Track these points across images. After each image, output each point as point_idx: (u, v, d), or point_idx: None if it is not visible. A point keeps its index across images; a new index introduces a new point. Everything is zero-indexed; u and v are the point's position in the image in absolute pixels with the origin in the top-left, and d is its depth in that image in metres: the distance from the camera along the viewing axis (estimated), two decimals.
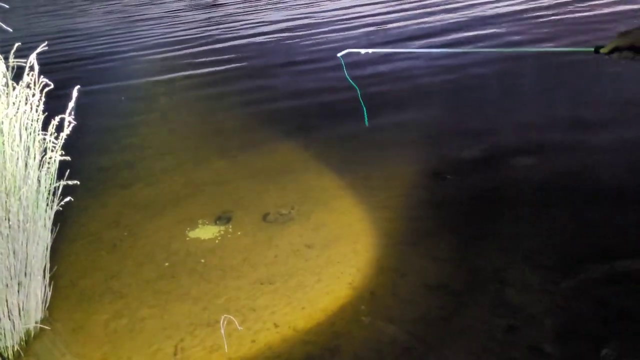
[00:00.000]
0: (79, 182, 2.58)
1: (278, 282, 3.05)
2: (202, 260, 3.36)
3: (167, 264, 3.38)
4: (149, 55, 9.85)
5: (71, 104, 2.54)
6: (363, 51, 2.25)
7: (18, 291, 2.46)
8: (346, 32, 9.57)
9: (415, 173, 4.10)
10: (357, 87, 2.32)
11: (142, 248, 3.57)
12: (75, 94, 2.54)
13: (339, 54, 2.23)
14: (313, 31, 10.01)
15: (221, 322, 2.56)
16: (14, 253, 2.36)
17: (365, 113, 2.30)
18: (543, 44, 6.55)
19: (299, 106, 6.11)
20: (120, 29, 13.25)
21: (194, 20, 13.75)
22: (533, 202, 3.56)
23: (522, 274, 2.84)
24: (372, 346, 2.51)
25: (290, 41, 9.50)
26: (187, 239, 3.61)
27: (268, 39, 10.03)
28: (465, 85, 6.07)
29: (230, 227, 3.68)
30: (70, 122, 2.51)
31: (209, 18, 13.66)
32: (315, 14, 12.09)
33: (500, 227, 3.32)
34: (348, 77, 2.29)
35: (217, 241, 3.54)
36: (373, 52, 2.19)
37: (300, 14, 12.45)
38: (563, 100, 5.34)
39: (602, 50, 1.91)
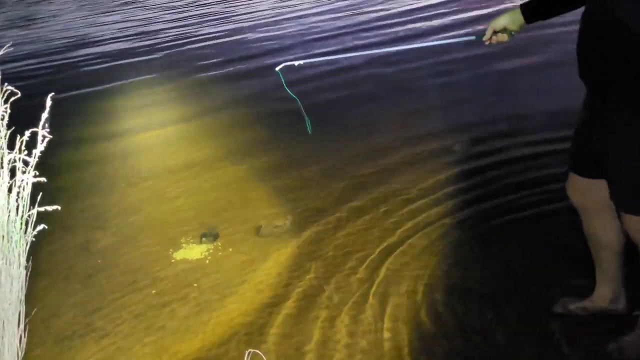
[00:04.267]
0: (59, 208, 2.18)
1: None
2: (195, 285, 2.99)
3: (154, 291, 2.99)
4: None
5: (44, 115, 2.13)
6: (297, 63, 2.25)
7: None
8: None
9: None
10: (297, 98, 2.29)
11: (122, 276, 3.15)
12: (49, 102, 2.14)
13: (277, 68, 2.21)
14: None
15: (245, 356, 2.21)
16: None
17: (308, 122, 2.26)
18: None
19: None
20: None
21: None
22: None
23: None
24: None
25: None
26: (173, 261, 3.22)
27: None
28: None
29: (219, 243, 3.32)
30: (44, 137, 2.10)
31: None
32: None
33: None
34: (287, 89, 2.28)
35: (207, 261, 3.18)
36: (308, 62, 2.16)
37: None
38: None
39: (483, 38, 2.14)
